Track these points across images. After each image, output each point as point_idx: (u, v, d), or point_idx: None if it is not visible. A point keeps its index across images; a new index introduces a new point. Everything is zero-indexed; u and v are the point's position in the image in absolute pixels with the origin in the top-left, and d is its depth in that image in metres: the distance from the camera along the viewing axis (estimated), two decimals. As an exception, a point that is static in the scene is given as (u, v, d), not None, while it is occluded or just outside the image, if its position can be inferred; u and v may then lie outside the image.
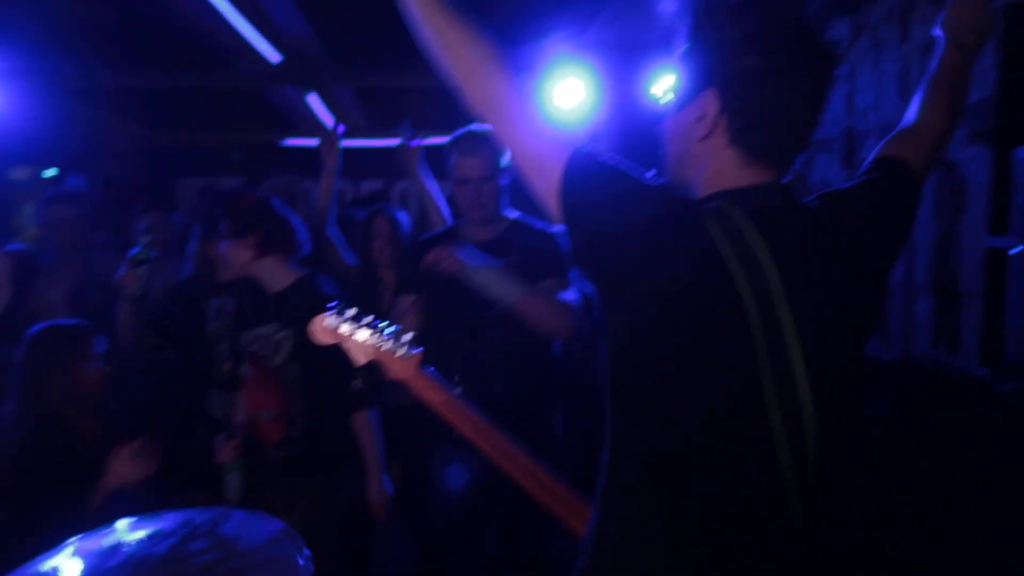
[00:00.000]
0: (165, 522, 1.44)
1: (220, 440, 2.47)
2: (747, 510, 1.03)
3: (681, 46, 1.13)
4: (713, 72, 1.08)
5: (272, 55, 4.06)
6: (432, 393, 1.52)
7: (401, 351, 1.49)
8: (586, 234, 1.07)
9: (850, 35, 3.89)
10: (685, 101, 1.13)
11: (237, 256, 2.45)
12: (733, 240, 1.02)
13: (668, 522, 1.03)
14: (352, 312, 1.53)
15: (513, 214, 2.61)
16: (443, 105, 5.49)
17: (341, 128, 3.35)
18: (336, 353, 2.44)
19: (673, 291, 1.00)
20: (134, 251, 2.74)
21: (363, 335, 1.50)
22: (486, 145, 2.49)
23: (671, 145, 1.19)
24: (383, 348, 1.49)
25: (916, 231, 3.27)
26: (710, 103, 1.09)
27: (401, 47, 3.78)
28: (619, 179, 1.08)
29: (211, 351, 2.88)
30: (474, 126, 2.58)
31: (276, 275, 2.50)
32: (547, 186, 1.09)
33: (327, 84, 4.43)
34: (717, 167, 1.12)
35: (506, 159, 2.57)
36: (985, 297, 2.44)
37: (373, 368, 1.50)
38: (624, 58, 4.03)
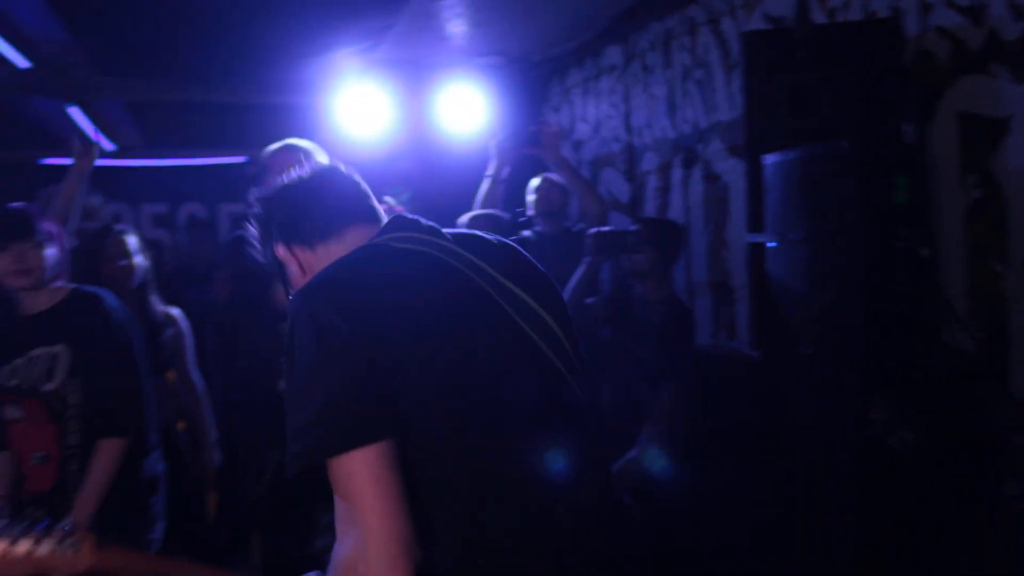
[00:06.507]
0: None
1: None
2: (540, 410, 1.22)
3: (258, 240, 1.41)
4: (268, 233, 1.37)
5: (19, 60, 3.54)
6: (131, 568, 1.39)
7: (68, 545, 1.30)
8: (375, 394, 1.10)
9: (623, 61, 4.26)
10: (280, 263, 1.37)
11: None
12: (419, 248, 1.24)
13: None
14: None
15: None
16: (232, 121, 5.18)
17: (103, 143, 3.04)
18: (123, 369, 2.23)
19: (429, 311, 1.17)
20: None
21: (8, 544, 1.29)
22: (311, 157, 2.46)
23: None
24: (45, 553, 1.29)
25: (692, 236, 3.64)
26: (280, 248, 1.35)
27: (179, 56, 3.50)
28: (304, 354, 1.12)
29: None
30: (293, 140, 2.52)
31: (39, 293, 2.24)
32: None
33: (88, 96, 3.95)
34: (328, 261, 1.29)
35: None
36: (751, 287, 2.76)
37: None
38: (413, 77, 4.07)
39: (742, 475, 2.32)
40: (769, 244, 2.36)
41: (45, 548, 1.30)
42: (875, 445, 1.95)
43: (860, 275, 2.00)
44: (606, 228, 2.88)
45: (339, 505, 1.08)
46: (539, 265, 1.36)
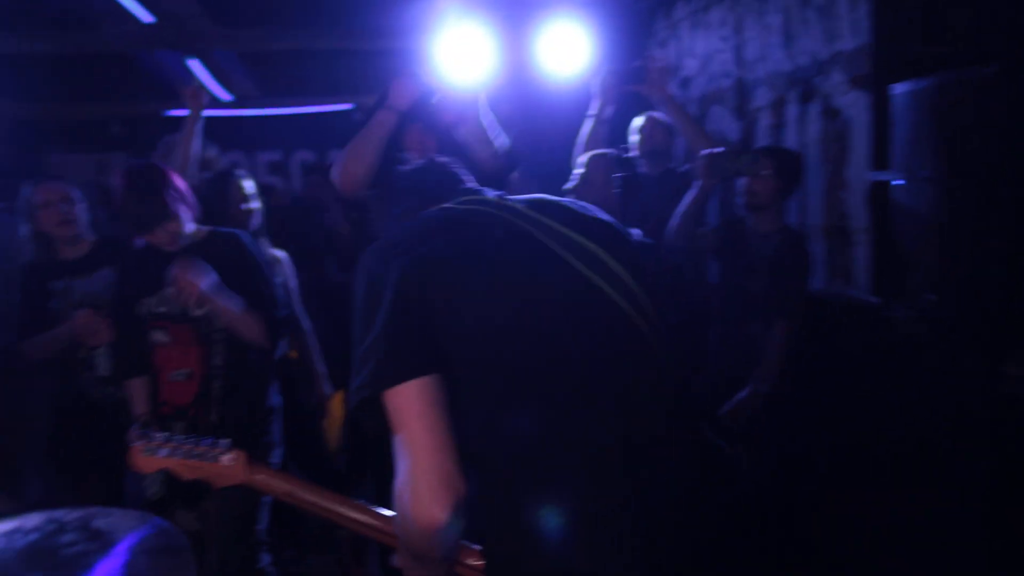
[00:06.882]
0: (26, 521, 1.30)
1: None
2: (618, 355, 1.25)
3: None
4: (379, 226, 1.57)
5: (143, 14, 3.72)
6: (273, 485, 1.51)
7: (225, 457, 1.49)
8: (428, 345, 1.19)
9: (735, -10, 4.00)
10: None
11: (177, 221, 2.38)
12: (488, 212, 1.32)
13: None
14: (163, 434, 1.53)
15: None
16: (340, 69, 5.29)
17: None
18: (263, 300, 2.41)
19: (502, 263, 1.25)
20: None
21: (183, 454, 1.51)
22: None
23: None
24: (207, 461, 1.49)
25: (807, 177, 3.44)
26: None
27: (289, 4, 3.56)
28: (366, 315, 1.23)
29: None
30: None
31: (177, 235, 2.43)
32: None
33: (207, 47, 4.11)
34: None
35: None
36: (872, 229, 2.59)
37: (201, 483, 1.49)
38: (514, 15, 3.98)
39: (857, 428, 2.21)
40: (895, 183, 2.19)
41: (209, 459, 1.50)
42: (1009, 401, 1.81)
43: (1000, 217, 1.83)
44: (719, 149, 2.75)
45: (395, 439, 1.17)
46: (610, 219, 1.42)
